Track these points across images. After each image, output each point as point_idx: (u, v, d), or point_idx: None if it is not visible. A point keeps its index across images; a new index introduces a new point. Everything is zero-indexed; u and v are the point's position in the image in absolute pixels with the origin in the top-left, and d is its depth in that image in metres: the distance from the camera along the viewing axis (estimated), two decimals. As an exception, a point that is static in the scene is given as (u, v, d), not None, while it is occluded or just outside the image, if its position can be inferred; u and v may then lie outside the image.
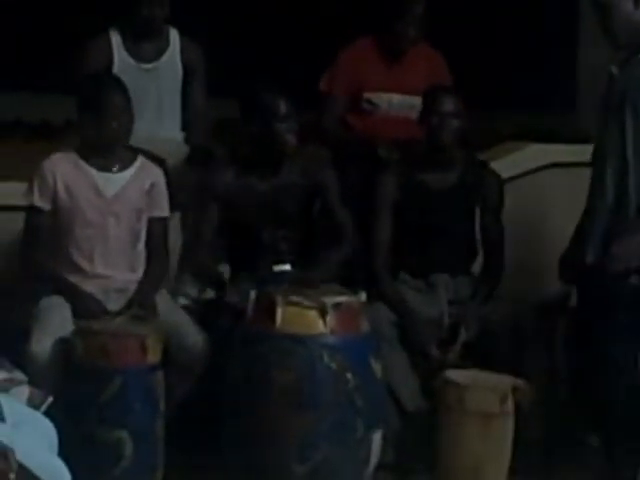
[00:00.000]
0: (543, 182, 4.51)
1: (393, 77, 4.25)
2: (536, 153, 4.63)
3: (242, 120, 3.62)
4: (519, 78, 4.90)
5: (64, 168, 3.30)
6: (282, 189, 3.54)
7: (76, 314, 3.21)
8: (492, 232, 3.91)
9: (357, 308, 3.25)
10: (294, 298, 3.12)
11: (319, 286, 3.31)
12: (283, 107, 3.59)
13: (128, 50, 4.08)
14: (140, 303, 3.28)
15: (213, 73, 4.14)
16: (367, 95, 4.29)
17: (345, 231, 3.62)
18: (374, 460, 3.48)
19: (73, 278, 3.26)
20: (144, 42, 4.08)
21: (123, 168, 3.35)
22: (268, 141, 3.45)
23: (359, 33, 4.28)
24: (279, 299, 3.08)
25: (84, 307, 3.25)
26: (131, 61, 4.06)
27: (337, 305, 3.13)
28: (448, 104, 3.80)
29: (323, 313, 3.05)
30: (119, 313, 3.25)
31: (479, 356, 3.84)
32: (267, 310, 3.09)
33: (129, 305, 3.28)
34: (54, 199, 3.28)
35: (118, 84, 3.49)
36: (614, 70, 3.52)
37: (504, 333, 3.79)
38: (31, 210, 3.31)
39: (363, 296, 3.27)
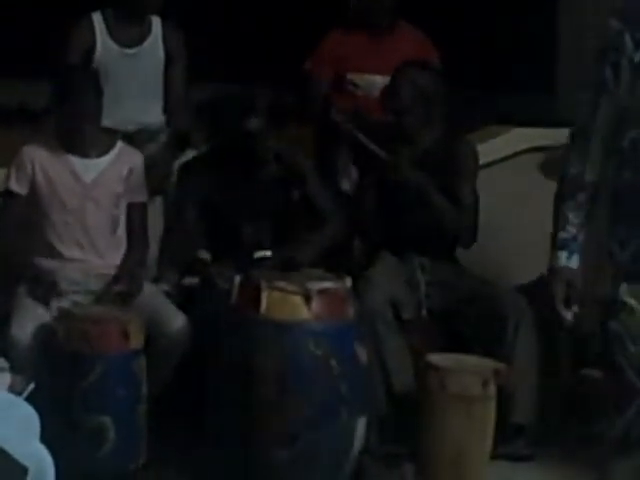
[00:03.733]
0: (525, 165, 4.50)
1: (377, 59, 4.22)
2: (518, 137, 4.58)
3: (214, 120, 3.67)
4: (503, 61, 4.90)
5: (43, 154, 3.31)
6: (260, 182, 3.53)
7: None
8: (467, 199, 3.85)
9: (342, 294, 3.20)
10: (279, 283, 3.08)
11: (303, 268, 3.28)
12: (255, 105, 3.59)
13: (111, 34, 4.06)
14: (124, 278, 3.27)
15: (194, 58, 4.10)
16: (350, 76, 4.28)
17: (328, 216, 3.60)
18: (358, 445, 3.43)
19: (52, 263, 3.25)
20: (127, 27, 4.07)
21: (102, 154, 3.35)
22: (242, 141, 3.45)
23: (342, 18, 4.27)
24: (264, 284, 3.03)
25: (38, 293, 3.25)
26: (114, 45, 4.05)
27: (322, 291, 3.08)
28: (415, 79, 3.73)
29: (308, 299, 3.01)
30: (105, 291, 3.24)
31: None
32: (252, 295, 3.05)
33: (116, 281, 3.27)
34: (32, 185, 3.28)
35: (84, 66, 3.62)
36: None
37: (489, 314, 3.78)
38: (6, 195, 3.31)
39: (349, 282, 3.21)
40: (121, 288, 3.22)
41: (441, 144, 3.85)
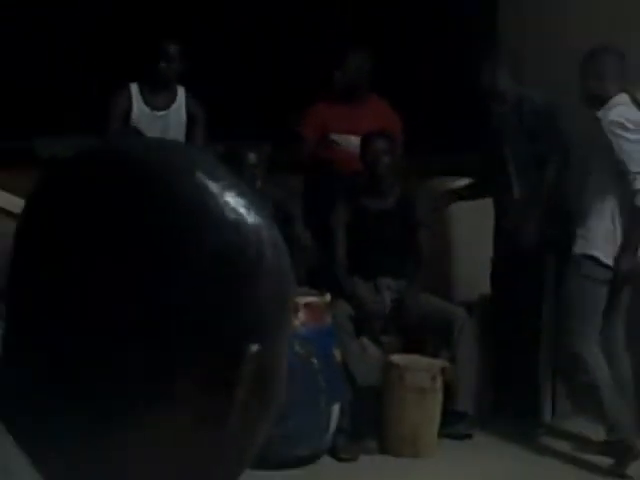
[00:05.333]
0: (470, 206, 4.87)
1: (353, 123, 4.69)
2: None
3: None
4: (445, 127, 5.25)
5: None
6: None
7: None
8: (421, 243, 4.40)
9: (323, 306, 3.82)
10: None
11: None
12: (252, 159, 4.14)
13: (145, 100, 4.56)
14: None
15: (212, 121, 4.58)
16: (332, 136, 4.79)
17: (307, 249, 4.07)
18: (333, 426, 3.98)
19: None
20: (157, 94, 4.56)
21: None
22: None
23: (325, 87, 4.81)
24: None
25: None
26: (146, 109, 4.55)
27: (307, 304, 3.68)
28: (379, 144, 4.34)
29: (296, 310, 3.55)
30: None
31: (417, 342, 4.36)
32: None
33: None
34: None
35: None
36: None
37: (437, 324, 4.32)
38: None
39: (328, 297, 3.83)
40: None
41: (403, 196, 4.45)
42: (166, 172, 0.62)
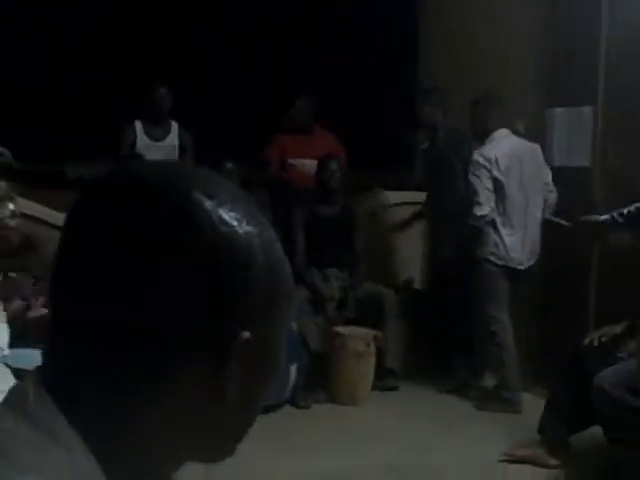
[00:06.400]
0: (397, 213, 5.46)
1: (305, 150, 5.30)
2: (389, 196, 5.61)
3: None
4: (381, 147, 5.88)
5: None
6: None
7: None
8: (355, 243, 4.91)
9: None
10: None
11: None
12: (230, 167, 4.61)
13: (146, 133, 5.09)
14: None
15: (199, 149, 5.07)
16: (290, 161, 5.42)
17: None
18: (292, 382, 4.50)
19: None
20: (155, 129, 5.08)
21: None
22: None
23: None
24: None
25: None
26: (147, 141, 5.09)
27: None
28: (331, 166, 4.90)
29: None
30: None
31: (356, 317, 4.82)
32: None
33: None
34: None
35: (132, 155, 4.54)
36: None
37: (372, 303, 4.78)
38: None
39: None
40: None
41: (346, 205, 4.98)
42: (168, 194, 0.65)
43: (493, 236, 4.51)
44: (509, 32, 5.08)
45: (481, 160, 4.46)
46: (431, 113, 4.82)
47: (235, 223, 0.66)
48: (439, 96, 4.91)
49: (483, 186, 4.44)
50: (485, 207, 4.43)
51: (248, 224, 0.67)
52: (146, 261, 0.64)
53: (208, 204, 0.65)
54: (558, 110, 4.90)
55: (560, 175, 4.72)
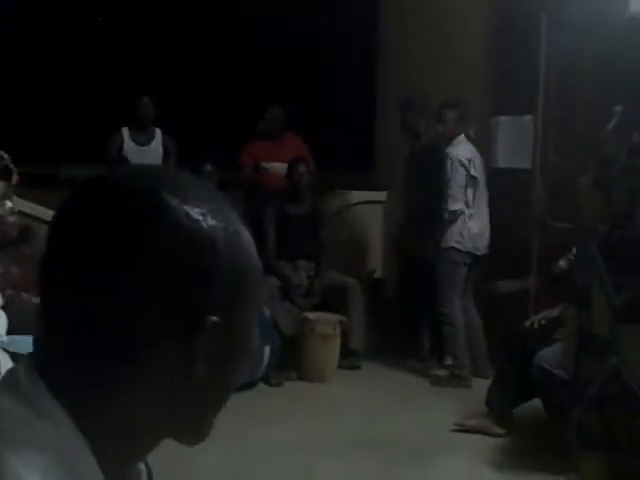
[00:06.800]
0: (360, 211, 5.72)
1: (276, 154, 5.55)
2: (354, 196, 5.94)
3: None
4: (345, 152, 6.27)
5: None
6: None
7: None
8: (321, 238, 5.14)
9: None
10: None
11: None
12: (208, 168, 4.82)
13: (132, 139, 5.32)
14: None
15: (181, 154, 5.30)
16: (263, 164, 5.66)
17: None
18: (265, 362, 4.69)
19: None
20: (141, 134, 5.31)
21: None
22: None
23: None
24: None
25: None
26: (133, 145, 5.33)
27: None
28: (300, 168, 5.13)
29: None
30: None
31: (323, 303, 5.13)
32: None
33: None
34: None
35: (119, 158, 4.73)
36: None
37: (337, 290, 5.04)
38: None
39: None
40: None
41: (315, 206, 5.23)
42: (139, 194, 0.69)
43: (460, 226, 4.81)
44: (461, 50, 5.43)
45: (462, 160, 4.77)
46: (415, 121, 4.96)
47: (200, 218, 0.70)
48: (423, 105, 5.02)
49: (458, 183, 4.76)
50: (459, 202, 4.77)
51: (213, 219, 0.70)
52: (119, 254, 0.68)
53: (174, 202, 0.69)
54: (503, 118, 5.30)
55: (504, 175, 5.08)
